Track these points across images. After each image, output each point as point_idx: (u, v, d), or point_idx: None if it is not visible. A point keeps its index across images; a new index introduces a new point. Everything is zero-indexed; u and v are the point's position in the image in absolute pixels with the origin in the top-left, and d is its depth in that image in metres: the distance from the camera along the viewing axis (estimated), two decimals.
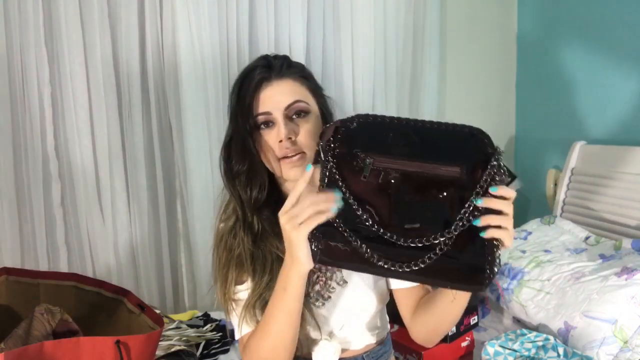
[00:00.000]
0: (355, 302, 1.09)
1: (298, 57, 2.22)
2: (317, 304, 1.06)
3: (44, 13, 1.87)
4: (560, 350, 1.48)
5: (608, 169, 2.11)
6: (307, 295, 1.04)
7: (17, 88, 1.86)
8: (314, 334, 1.06)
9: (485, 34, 2.71)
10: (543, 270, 1.78)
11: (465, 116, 2.72)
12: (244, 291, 1.05)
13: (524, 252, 1.93)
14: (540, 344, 1.52)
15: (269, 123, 1.01)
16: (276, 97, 1.01)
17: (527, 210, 2.71)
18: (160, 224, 2.14)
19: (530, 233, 2.09)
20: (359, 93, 2.37)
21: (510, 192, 0.79)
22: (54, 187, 1.94)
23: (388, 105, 2.44)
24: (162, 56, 2.03)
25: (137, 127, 2.05)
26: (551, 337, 1.52)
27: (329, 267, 1.08)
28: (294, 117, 1.01)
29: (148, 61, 2.02)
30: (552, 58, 2.52)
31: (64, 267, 1.97)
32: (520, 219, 2.53)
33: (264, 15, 2.15)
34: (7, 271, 1.34)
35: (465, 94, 2.72)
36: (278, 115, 1.00)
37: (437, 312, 1.00)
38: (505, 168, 0.81)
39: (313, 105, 1.05)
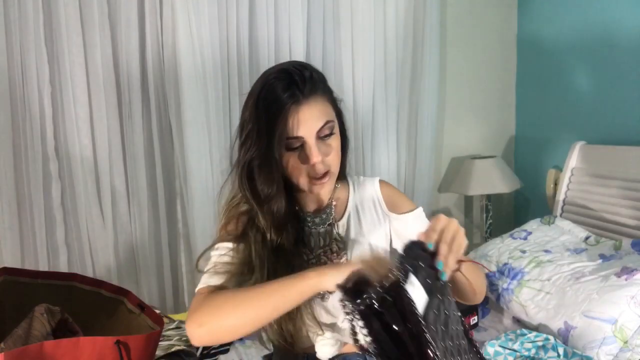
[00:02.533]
0: None
1: (298, 57, 2.22)
2: (322, 296, 1.06)
3: (44, 13, 1.87)
4: (560, 350, 1.48)
5: (608, 169, 2.11)
6: None
7: (17, 88, 1.86)
8: (316, 327, 1.05)
9: (485, 34, 2.71)
10: (543, 270, 1.78)
11: (466, 116, 2.73)
12: (228, 252, 1.03)
13: (524, 252, 1.93)
14: (540, 344, 1.52)
15: (300, 146, 0.99)
16: (308, 122, 0.97)
17: (527, 210, 2.71)
18: (160, 224, 2.14)
19: (530, 233, 2.09)
20: (359, 93, 2.37)
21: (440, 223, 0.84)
22: (54, 187, 1.94)
23: (388, 105, 2.44)
24: (162, 56, 2.03)
25: (137, 127, 2.05)
26: (551, 337, 1.52)
27: (336, 258, 1.09)
28: (323, 137, 1.00)
29: (148, 61, 2.02)
30: (552, 58, 2.52)
31: (64, 267, 1.97)
32: (520, 219, 2.53)
33: (264, 15, 2.15)
34: (7, 271, 1.34)
35: (465, 94, 2.72)
36: (310, 140, 0.98)
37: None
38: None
39: (336, 121, 1.04)
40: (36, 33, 1.85)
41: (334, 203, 1.13)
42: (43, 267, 1.92)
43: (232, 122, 2.17)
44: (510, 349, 1.51)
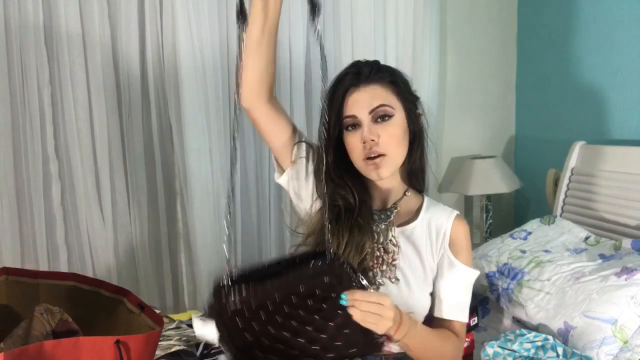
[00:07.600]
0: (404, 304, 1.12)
1: (298, 57, 2.23)
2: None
3: (44, 13, 1.87)
4: (560, 350, 1.48)
5: (608, 169, 2.11)
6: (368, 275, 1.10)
7: (17, 88, 1.86)
8: None
9: (485, 33, 2.71)
10: (543, 270, 1.78)
11: (466, 116, 2.73)
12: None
13: (524, 252, 1.93)
14: (539, 344, 1.52)
15: (355, 125, 1.08)
16: (362, 102, 1.08)
17: (527, 210, 2.71)
18: (160, 224, 2.14)
19: (530, 233, 2.09)
20: None
21: (358, 294, 0.89)
22: (54, 187, 1.94)
23: None
24: (162, 56, 2.03)
25: (137, 127, 2.05)
26: (550, 337, 1.52)
27: (384, 261, 1.13)
28: (379, 120, 1.08)
29: (148, 61, 2.02)
30: (552, 58, 2.52)
31: (64, 267, 1.97)
32: (520, 219, 2.53)
33: None
34: (7, 271, 1.34)
35: (466, 94, 2.72)
36: (363, 118, 1.07)
37: None
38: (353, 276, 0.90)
39: (399, 110, 1.10)
40: (36, 33, 1.85)
41: (397, 208, 1.17)
42: (43, 267, 1.92)
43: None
44: (509, 350, 1.51)
